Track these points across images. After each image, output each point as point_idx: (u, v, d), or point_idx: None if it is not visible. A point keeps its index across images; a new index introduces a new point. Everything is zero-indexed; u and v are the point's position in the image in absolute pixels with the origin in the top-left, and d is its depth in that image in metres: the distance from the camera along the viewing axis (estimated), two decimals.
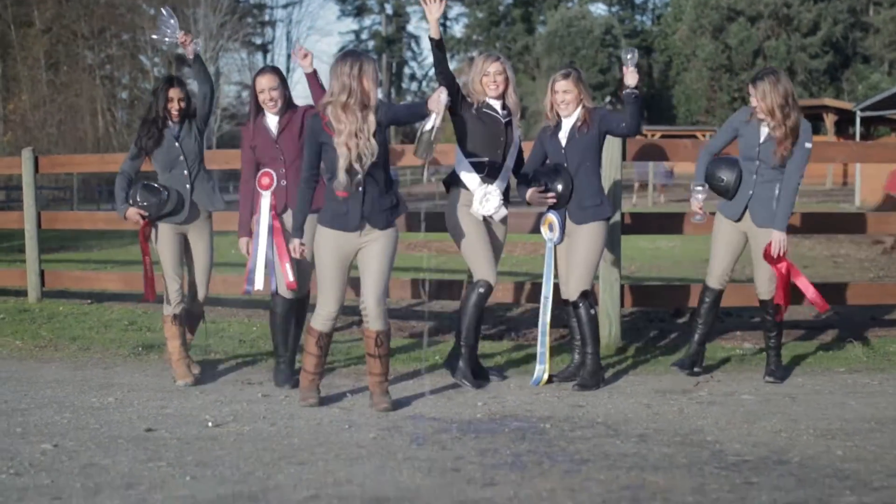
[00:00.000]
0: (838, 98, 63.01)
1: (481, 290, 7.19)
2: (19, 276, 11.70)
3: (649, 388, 7.21)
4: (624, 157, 8.72)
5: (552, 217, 7.33)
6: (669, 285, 10.65)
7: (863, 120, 41.64)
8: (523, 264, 15.30)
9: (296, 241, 6.63)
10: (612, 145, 8.41)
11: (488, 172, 7.19)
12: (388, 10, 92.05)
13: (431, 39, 7.04)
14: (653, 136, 50.33)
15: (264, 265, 7.45)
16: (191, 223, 7.64)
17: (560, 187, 7.21)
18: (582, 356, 7.37)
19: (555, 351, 7.60)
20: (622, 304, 8.83)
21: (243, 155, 7.60)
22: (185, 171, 7.60)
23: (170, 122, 7.55)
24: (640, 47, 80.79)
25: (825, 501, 4.60)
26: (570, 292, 7.27)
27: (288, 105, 7.48)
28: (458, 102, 7.19)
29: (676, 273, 14.52)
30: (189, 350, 7.85)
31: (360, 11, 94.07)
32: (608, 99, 72.29)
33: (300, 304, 7.65)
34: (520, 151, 7.47)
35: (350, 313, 9.77)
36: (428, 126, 6.35)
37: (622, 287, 8.81)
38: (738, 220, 7.29)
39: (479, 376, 7.36)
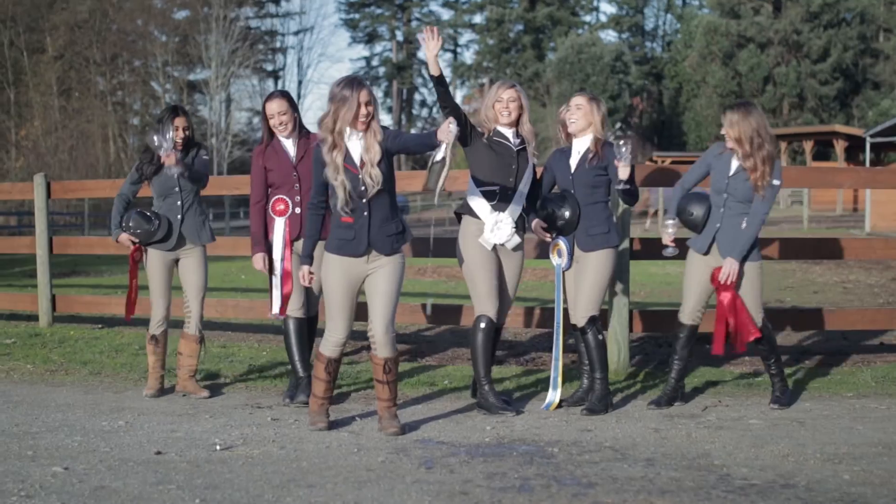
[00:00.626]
0: (848, 124, 63.07)
1: (482, 325, 7.21)
2: (31, 301, 11.76)
3: (657, 412, 7.22)
4: None
5: (561, 243, 7.35)
6: (678, 310, 10.64)
7: (873, 146, 41.64)
8: (532, 290, 15.33)
9: (304, 268, 6.67)
10: None
11: (499, 200, 7.19)
12: (399, 36, 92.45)
13: (432, 77, 7.03)
14: (662, 162, 50.39)
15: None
16: (179, 249, 7.91)
17: (567, 214, 7.24)
18: (590, 381, 7.38)
19: (565, 378, 7.60)
20: (631, 329, 8.85)
21: (255, 176, 7.65)
22: (179, 202, 7.89)
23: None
24: (651, 74, 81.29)
25: None
26: (578, 318, 7.28)
27: (300, 130, 7.57)
28: (467, 135, 7.19)
29: None
30: (196, 374, 8.07)
31: (370, 38, 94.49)
32: (618, 125, 72.39)
33: (310, 324, 7.72)
34: (535, 179, 7.43)
35: (359, 338, 9.80)
36: (438, 157, 6.35)
37: (631, 312, 8.83)
38: (706, 253, 7.27)
39: (509, 402, 7.38)
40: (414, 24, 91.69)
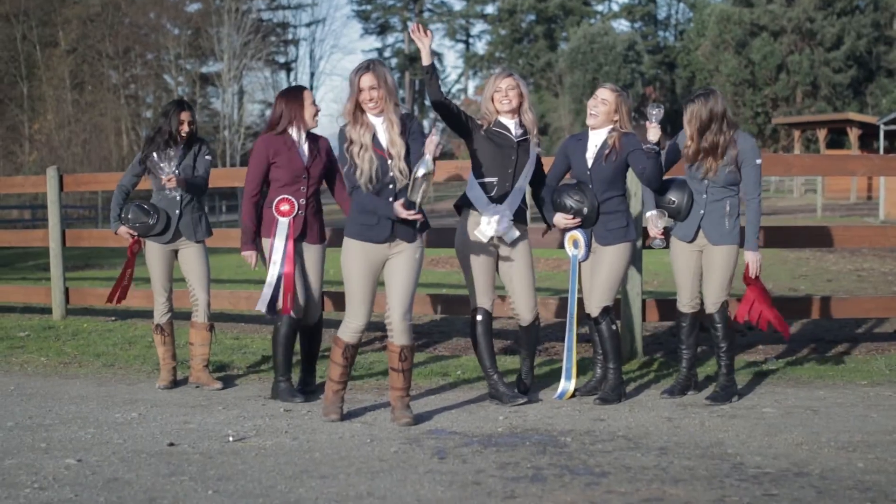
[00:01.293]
0: (862, 112, 62.76)
1: (479, 317, 7.22)
2: (44, 294, 11.80)
3: (670, 401, 7.21)
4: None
5: (577, 234, 7.31)
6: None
7: (887, 133, 41.53)
8: (545, 280, 15.31)
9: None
10: None
11: (498, 193, 7.14)
12: (411, 27, 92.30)
13: (424, 67, 6.94)
14: None
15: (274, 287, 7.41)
16: (177, 241, 7.98)
17: (586, 210, 7.20)
18: (603, 370, 7.38)
19: (578, 368, 7.59)
20: (644, 319, 8.84)
21: (256, 167, 7.30)
22: (178, 197, 7.94)
23: (173, 145, 7.87)
24: (664, 63, 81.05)
25: None
26: (593, 308, 7.26)
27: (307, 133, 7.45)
28: (459, 125, 7.15)
29: None
30: (209, 363, 8.08)
31: (382, 30, 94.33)
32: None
33: (311, 332, 7.66)
34: (538, 168, 7.40)
35: (372, 329, 9.80)
36: (421, 171, 6.33)
37: (644, 301, 8.81)
38: (692, 240, 7.25)
39: (520, 389, 7.37)
40: (426, 14, 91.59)
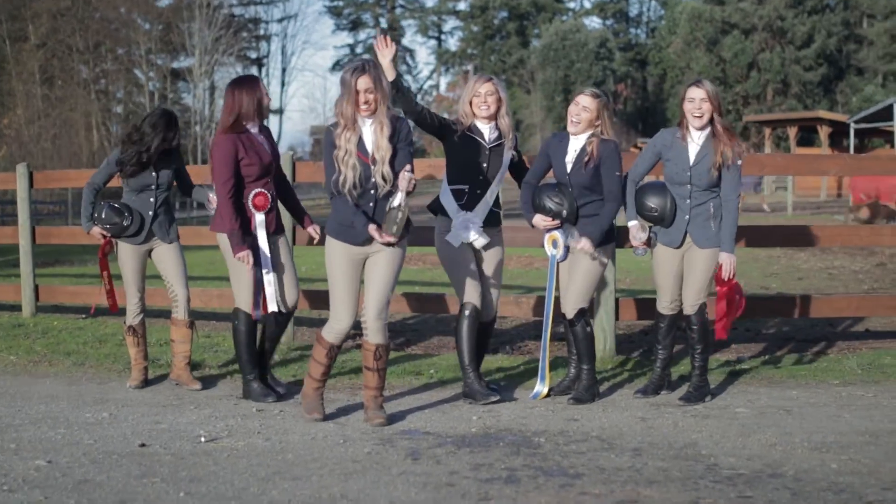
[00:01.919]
0: (832, 110, 63.12)
1: (467, 312, 7.19)
2: (14, 291, 11.70)
3: (644, 401, 7.21)
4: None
5: (556, 234, 7.29)
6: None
7: (857, 132, 41.83)
8: (518, 277, 15.31)
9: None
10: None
11: (468, 199, 7.16)
12: (383, 23, 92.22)
13: (390, 83, 6.77)
14: None
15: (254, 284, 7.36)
16: (150, 241, 7.92)
17: (565, 212, 7.17)
18: (577, 370, 7.37)
19: (552, 365, 7.59)
20: (617, 318, 8.84)
21: (226, 163, 7.10)
22: (152, 199, 7.88)
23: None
24: (635, 60, 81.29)
25: None
26: (568, 310, 7.25)
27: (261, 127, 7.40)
28: (434, 131, 7.18)
29: None
30: (189, 362, 7.98)
31: (354, 26, 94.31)
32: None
33: (281, 321, 7.56)
34: (521, 161, 7.45)
35: None
36: (395, 203, 6.33)
37: (617, 300, 8.81)
38: (679, 246, 7.22)
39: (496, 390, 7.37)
40: (398, 11, 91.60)
